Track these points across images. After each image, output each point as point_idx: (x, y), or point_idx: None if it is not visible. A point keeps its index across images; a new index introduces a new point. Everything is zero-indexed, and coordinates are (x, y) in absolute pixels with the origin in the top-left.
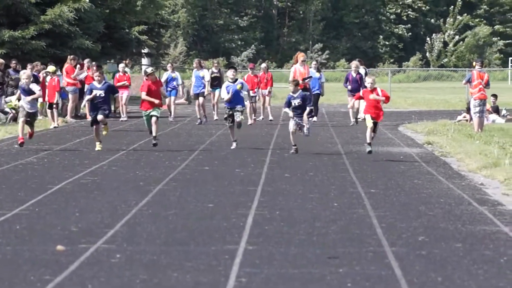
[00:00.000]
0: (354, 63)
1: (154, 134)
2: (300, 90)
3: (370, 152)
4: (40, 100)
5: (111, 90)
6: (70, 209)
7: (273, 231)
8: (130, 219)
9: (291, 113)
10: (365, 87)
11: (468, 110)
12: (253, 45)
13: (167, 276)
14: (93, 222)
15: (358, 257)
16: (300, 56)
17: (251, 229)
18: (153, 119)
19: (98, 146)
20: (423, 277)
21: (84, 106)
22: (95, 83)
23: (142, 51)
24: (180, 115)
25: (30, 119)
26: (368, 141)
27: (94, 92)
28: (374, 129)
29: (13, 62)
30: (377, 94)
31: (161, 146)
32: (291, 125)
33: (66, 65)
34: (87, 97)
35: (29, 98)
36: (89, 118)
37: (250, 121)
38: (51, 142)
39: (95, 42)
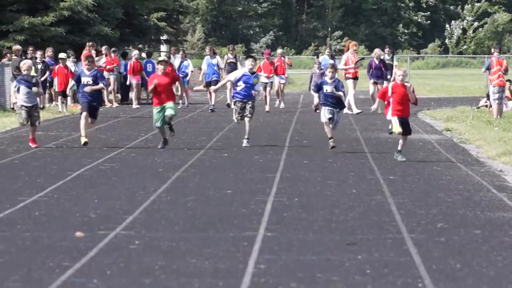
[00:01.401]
0: (377, 51)
1: (165, 136)
2: (336, 78)
3: (402, 161)
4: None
5: (98, 78)
6: (89, 196)
7: (292, 217)
8: (149, 206)
9: (316, 100)
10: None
11: (488, 97)
12: (271, 32)
13: (186, 262)
14: (112, 208)
15: (376, 244)
16: (353, 45)
17: (270, 216)
18: (168, 114)
19: (83, 139)
20: (441, 264)
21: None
22: (85, 70)
23: (161, 37)
24: (198, 102)
25: (31, 115)
26: (399, 148)
27: (82, 79)
28: (405, 131)
29: (30, 48)
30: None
31: (179, 132)
32: (324, 115)
33: (84, 52)
34: (71, 83)
35: (35, 89)
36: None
37: (267, 108)
38: (70, 128)
39: (114, 29)
